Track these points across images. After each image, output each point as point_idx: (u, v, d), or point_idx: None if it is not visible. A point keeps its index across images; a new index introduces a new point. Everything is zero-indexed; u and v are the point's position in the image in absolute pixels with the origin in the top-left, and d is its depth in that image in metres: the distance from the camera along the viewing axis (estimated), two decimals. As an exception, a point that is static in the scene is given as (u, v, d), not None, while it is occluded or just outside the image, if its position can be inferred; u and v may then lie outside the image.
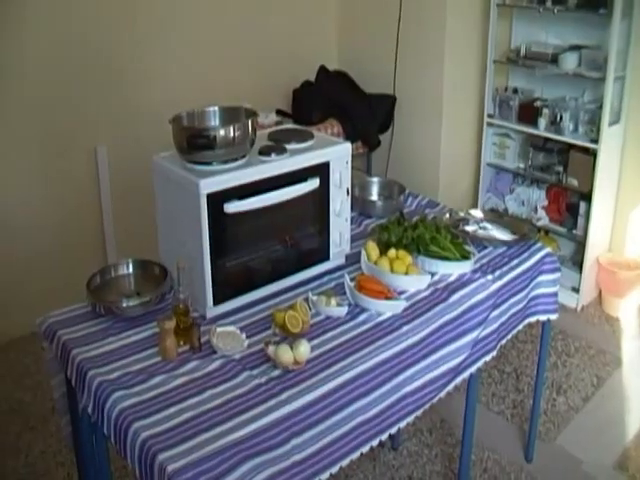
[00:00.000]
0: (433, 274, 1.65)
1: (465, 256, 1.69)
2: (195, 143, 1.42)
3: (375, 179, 2.21)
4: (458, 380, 1.56)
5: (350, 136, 2.93)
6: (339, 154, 1.61)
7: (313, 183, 1.56)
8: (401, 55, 3.08)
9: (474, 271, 1.68)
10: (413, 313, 1.51)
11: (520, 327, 1.77)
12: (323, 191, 1.59)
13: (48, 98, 2.53)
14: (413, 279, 1.61)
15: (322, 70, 3.20)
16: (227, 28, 2.92)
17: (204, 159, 1.44)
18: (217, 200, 1.40)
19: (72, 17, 2.49)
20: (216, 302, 1.47)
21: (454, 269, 1.67)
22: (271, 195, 1.48)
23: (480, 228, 1.89)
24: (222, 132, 1.43)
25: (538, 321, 1.84)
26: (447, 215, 1.95)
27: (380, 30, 3.15)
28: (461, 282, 1.63)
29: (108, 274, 1.57)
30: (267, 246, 1.54)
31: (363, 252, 1.65)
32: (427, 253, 1.68)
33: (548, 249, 1.83)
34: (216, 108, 1.61)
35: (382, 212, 2.01)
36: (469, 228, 1.88)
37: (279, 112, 3.10)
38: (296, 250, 1.60)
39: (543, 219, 3.02)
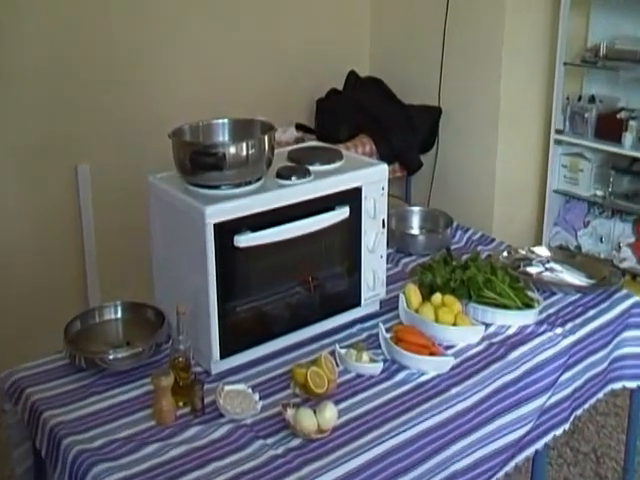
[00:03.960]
0: (488, 325, 1.68)
1: (527, 304, 1.72)
2: (200, 162, 1.48)
3: (416, 209, 2.26)
4: (520, 458, 1.57)
5: (386, 156, 2.99)
6: (373, 178, 1.66)
7: (342, 213, 1.61)
8: (448, 58, 3.15)
9: (539, 323, 1.70)
10: (463, 373, 1.53)
11: (600, 395, 1.76)
12: (354, 222, 1.64)
13: (21, 107, 2.58)
14: (463, 331, 1.63)
15: (352, 76, 3.29)
16: (238, 28, 3.01)
17: (211, 182, 1.50)
18: (226, 231, 1.45)
19: (53, 20, 2.59)
20: (224, 355, 1.51)
21: (514, 320, 1.70)
22: (291, 227, 1.53)
23: (546, 270, 1.91)
24: (233, 149, 1.49)
25: (624, 388, 1.83)
26: (505, 253, 1.98)
27: (422, 28, 3.23)
28: (523, 336, 1.65)
29: (91, 319, 1.62)
30: (286, 288, 1.59)
31: (402, 297, 1.69)
32: (480, 299, 1.71)
33: (636, 298, 1.83)
34: (225, 120, 1.68)
35: (424, 249, 2.05)
36: (532, 269, 1.91)
37: (300, 126, 3.18)
38: (321, 293, 1.64)
39: (629, 259, 3.00)
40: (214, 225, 1.43)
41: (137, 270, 2.51)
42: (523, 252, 1.99)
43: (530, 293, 1.76)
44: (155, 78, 2.84)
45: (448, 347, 1.60)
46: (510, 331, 1.67)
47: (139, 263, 2.29)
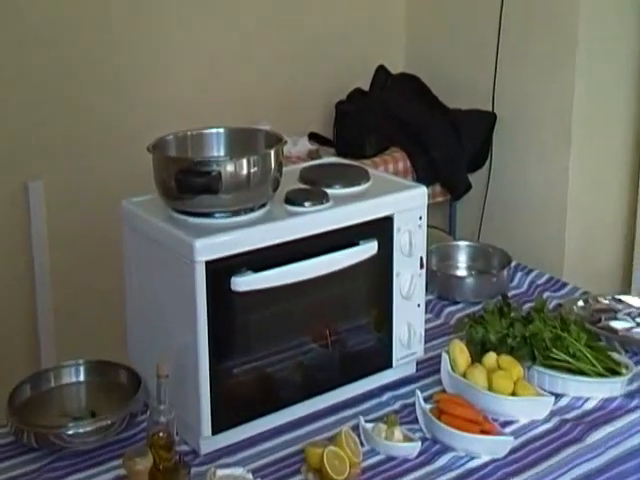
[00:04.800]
0: (558, 397, 1.69)
1: (612, 370, 1.72)
2: (189, 183, 1.52)
3: (463, 244, 2.30)
4: None
5: (424, 176, 3.01)
6: (408, 204, 1.71)
7: (368, 249, 1.64)
8: (505, 49, 3.17)
9: (629, 395, 1.70)
10: (526, 459, 1.53)
11: None
12: (383, 261, 1.68)
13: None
14: (525, 403, 1.64)
15: (381, 73, 3.34)
16: (237, 12, 3.07)
17: (202, 208, 1.55)
18: (221, 272, 1.49)
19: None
20: (217, 429, 1.53)
21: (594, 391, 1.70)
22: (304, 266, 1.56)
23: (637, 325, 1.92)
24: (230, 167, 1.54)
25: None
26: (580, 303, 2.00)
27: (472, 12, 3.27)
28: (606, 412, 1.66)
29: (44, 382, 1.64)
30: (297, 344, 1.62)
31: (445, 357, 1.71)
32: (548, 362, 1.72)
33: None
34: (221, 130, 1.73)
35: (474, 295, 2.08)
36: (618, 324, 1.92)
37: (314, 137, 3.23)
38: (341, 351, 1.67)
39: None
40: (206, 263, 1.46)
41: (105, 319, 2.53)
42: (606, 301, 2.00)
43: (615, 355, 1.76)
44: (132, 77, 2.88)
45: (505, 424, 1.61)
46: (589, 405, 1.68)
47: (108, 310, 2.32)
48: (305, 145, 3.07)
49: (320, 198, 1.63)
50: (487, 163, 3.28)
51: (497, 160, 3.27)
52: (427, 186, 1.78)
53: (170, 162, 1.58)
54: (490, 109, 3.24)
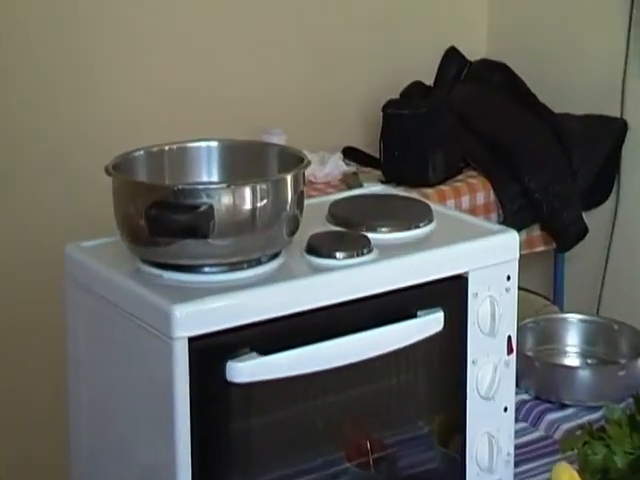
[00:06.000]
0: None
1: None
2: (166, 222, 1.53)
3: (574, 317, 2.28)
4: None
5: (516, 214, 3.02)
6: (491, 258, 1.71)
7: (430, 323, 1.65)
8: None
9: None
10: None
11: None
12: (452, 342, 1.69)
13: None
14: None
15: (452, 60, 3.38)
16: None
17: (186, 259, 1.56)
18: (212, 354, 1.49)
19: None
20: None
21: None
22: (333, 348, 1.56)
23: None
24: (226, 199, 1.55)
25: None
26: None
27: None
28: None
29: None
30: (320, 463, 1.62)
31: (546, 489, 1.70)
32: None
33: None
34: (214, 144, 1.76)
35: (591, 395, 2.07)
36: None
37: (351, 154, 3.28)
38: (388, 474, 1.67)
39: None
40: (190, 341, 1.47)
41: (38, 425, 2.56)
42: None
43: None
44: (88, 61, 2.96)
45: None
46: None
47: (39, 410, 2.33)
48: (338, 166, 3.10)
49: (359, 247, 1.64)
50: (613, 195, 3.28)
51: (627, 191, 3.29)
52: (520, 230, 1.78)
53: (139, 190, 1.59)
54: (618, 115, 3.26)
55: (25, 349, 2.78)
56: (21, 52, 2.87)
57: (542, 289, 3.24)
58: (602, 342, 2.23)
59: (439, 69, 3.35)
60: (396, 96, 3.29)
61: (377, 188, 2.16)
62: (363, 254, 1.62)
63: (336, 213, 1.77)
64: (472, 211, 2.88)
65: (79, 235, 1.70)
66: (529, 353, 2.11)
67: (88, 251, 1.66)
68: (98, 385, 1.65)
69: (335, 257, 1.61)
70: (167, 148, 1.73)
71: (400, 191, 2.01)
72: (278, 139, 2.57)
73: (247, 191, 1.55)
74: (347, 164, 3.13)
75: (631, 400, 1.95)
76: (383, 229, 1.70)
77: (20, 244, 2.78)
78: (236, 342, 1.50)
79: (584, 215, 3.19)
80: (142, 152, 1.70)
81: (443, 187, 3.03)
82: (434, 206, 1.80)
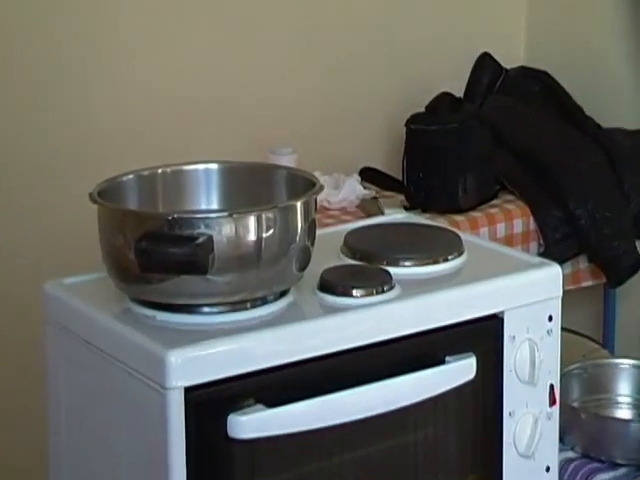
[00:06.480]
0: None
1: None
2: (159, 256, 1.55)
3: (627, 363, 2.30)
4: None
5: (559, 245, 3.03)
6: (530, 295, 1.73)
7: (461, 371, 1.67)
8: None
9: None
10: None
11: None
12: (486, 391, 1.70)
13: None
14: None
15: (485, 68, 3.39)
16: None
17: (181, 298, 1.59)
18: (212, 406, 1.51)
19: None
20: None
21: None
22: (350, 399, 1.58)
23: None
24: (228, 229, 1.57)
25: None
26: None
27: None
28: None
29: None
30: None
31: None
32: None
33: None
34: (213, 166, 1.80)
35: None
36: None
37: (370, 175, 3.30)
38: None
39: None
40: (187, 391, 1.49)
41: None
42: None
43: None
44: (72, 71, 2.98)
45: None
46: None
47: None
48: (354, 190, 3.09)
49: (379, 283, 1.66)
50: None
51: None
52: (563, 262, 1.79)
53: (128, 219, 1.62)
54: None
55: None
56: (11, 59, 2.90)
57: (590, 330, 3.23)
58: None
59: (470, 78, 3.35)
60: (421, 109, 3.27)
61: (400, 215, 2.19)
62: (384, 291, 1.65)
63: (353, 244, 1.79)
64: (508, 241, 2.88)
65: (59, 270, 1.72)
66: (575, 404, 2.13)
67: (70, 289, 1.69)
68: (82, 440, 1.67)
69: (352, 295, 1.64)
70: (160, 171, 1.76)
71: (426, 218, 2.02)
72: (286, 159, 2.58)
73: (251, 220, 1.57)
74: (365, 187, 3.10)
75: None
76: (406, 263, 1.72)
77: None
78: (239, 393, 1.51)
79: (638, 245, 3.21)
80: (132, 176, 1.72)
81: (475, 213, 3.02)
82: (464, 236, 1.82)
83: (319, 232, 1.70)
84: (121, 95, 3.00)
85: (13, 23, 2.87)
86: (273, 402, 1.53)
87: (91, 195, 1.62)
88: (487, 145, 3.20)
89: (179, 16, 3.07)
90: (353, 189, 3.08)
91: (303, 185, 1.69)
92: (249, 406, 1.52)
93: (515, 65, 3.44)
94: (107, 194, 1.65)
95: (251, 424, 1.51)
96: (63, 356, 1.69)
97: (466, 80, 3.38)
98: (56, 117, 2.91)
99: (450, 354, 1.66)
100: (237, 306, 1.60)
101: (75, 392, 1.68)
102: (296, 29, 3.26)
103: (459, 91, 3.37)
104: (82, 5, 2.93)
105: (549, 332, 1.74)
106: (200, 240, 1.54)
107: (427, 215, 2.28)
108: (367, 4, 3.36)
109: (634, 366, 2.26)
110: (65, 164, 2.59)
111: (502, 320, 1.71)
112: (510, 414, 1.72)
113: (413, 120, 3.23)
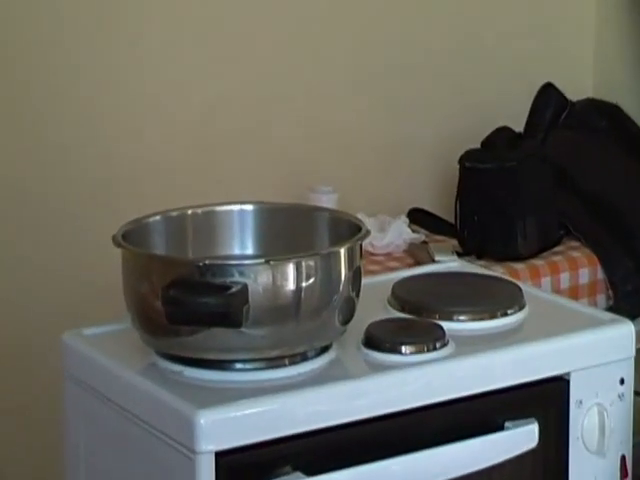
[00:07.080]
0: None
1: None
2: (188, 307, 1.54)
3: None
4: None
5: (630, 297, 3.01)
6: (599, 356, 1.72)
7: (522, 438, 1.65)
8: None
9: None
10: None
11: None
12: (550, 461, 1.68)
13: None
14: None
15: (548, 101, 3.38)
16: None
17: (212, 352, 1.58)
18: (247, 473, 1.50)
19: None
20: None
21: None
22: (400, 466, 1.56)
23: None
24: (264, 278, 1.56)
25: None
26: None
27: None
28: None
29: None
30: None
31: None
32: None
33: None
34: (248, 208, 1.80)
35: None
36: None
37: (419, 218, 3.29)
38: None
39: None
40: (218, 457, 1.48)
41: None
42: None
43: None
44: (70, 97, 2.95)
45: None
46: None
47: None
48: (402, 233, 3.07)
49: (431, 339, 1.65)
50: None
51: None
52: (635, 318, 1.77)
53: (155, 265, 1.62)
54: None
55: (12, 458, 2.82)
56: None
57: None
58: None
59: (531, 111, 3.33)
60: (477, 145, 3.26)
61: (453, 263, 2.16)
62: (436, 348, 1.64)
63: (402, 295, 1.78)
64: (573, 292, 2.86)
65: (79, 320, 1.72)
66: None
67: (90, 340, 1.69)
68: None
69: (400, 352, 1.63)
70: (190, 212, 1.75)
71: (481, 266, 2.00)
72: (327, 199, 2.58)
73: (290, 268, 1.57)
74: (413, 231, 3.10)
75: None
76: (461, 317, 1.71)
77: (10, 331, 2.78)
78: (275, 459, 1.51)
79: None
80: (159, 217, 1.72)
81: (536, 261, 2.99)
82: (525, 287, 1.81)
83: (364, 281, 1.67)
84: (143, 127, 3.01)
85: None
86: (312, 470, 1.51)
87: (114, 238, 1.62)
88: (549, 185, 3.17)
89: (212, 49, 3.08)
90: (400, 232, 3.05)
91: (347, 229, 1.68)
92: (286, 474, 1.50)
93: (582, 97, 3.43)
94: (132, 237, 1.65)
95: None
96: (82, 413, 1.69)
97: (527, 113, 3.36)
98: (75, 157, 2.93)
99: (510, 419, 1.64)
100: (274, 362, 1.59)
101: (96, 452, 1.67)
102: (343, 61, 3.26)
103: (519, 125, 3.34)
104: (97, 42, 2.95)
105: (620, 396, 1.72)
106: (234, 289, 1.53)
107: (482, 262, 2.27)
108: (419, 32, 3.36)
109: None
110: (85, 204, 2.59)
111: (568, 382, 1.69)
112: (575, 485, 1.70)
113: (467, 157, 3.19)
